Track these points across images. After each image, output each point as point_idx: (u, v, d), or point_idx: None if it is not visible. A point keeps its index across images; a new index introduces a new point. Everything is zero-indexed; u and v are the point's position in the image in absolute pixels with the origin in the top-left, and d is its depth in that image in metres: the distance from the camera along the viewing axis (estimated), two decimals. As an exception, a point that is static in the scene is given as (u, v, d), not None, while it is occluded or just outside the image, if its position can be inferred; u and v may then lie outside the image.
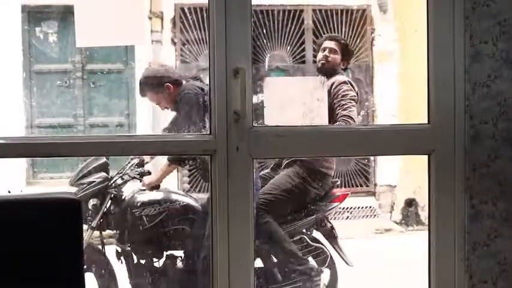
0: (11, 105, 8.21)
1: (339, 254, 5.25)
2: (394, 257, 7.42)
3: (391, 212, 9.79)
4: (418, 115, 3.56)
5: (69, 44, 8.80)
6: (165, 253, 5.19)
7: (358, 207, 9.62)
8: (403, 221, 9.59)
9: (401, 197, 9.70)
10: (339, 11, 9.60)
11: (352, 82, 5.16)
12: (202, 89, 5.03)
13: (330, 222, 5.36)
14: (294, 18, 9.32)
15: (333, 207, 5.38)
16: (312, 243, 5.16)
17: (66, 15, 8.63)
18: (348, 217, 9.48)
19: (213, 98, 3.08)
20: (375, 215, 9.70)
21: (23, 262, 2.49)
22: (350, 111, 4.96)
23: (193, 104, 4.99)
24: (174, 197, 5.22)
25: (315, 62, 9.16)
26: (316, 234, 5.26)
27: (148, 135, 4.09)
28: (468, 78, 3.16)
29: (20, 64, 8.74)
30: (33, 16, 8.92)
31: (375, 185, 9.84)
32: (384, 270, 6.61)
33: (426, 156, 3.25)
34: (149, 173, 5.20)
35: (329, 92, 4.92)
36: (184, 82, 5.22)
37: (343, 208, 9.43)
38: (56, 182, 7.66)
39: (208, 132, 3.12)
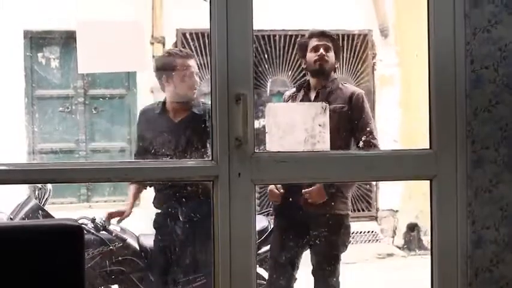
0: (13, 131, 8.22)
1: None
2: (396, 282, 7.40)
3: (393, 237, 9.77)
4: (420, 140, 3.57)
5: (71, 69, 8.83)
6: None
7: (360, 232, 9.61)
8: (405, 246, 9.58)
9: (403, 222, 9.69)
10: (340, 36, 9.63)
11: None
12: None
13: None
14: (295, 43, 9.35)
15: None
16: None
17: (68, 40, 8.67)
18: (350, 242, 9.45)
19: (214, 123, 3.08)
20: (377, 240, 9.69)
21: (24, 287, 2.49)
22: (375, 134, 4.84)
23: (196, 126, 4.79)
24: (109, 236, 5.19)
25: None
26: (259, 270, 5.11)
27: (150, 161, 4.08)
28: (469, 103, 3.17)
29: (22, 90, 8.77)
30: (36, 42, 8.96)
31: (377, 209, 9.84)
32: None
33: (428, 181, 3.25)
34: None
35: (349, 102, 4.76)
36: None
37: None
38: (58, 207, 7.66)
39: (210, 158, 3.12)
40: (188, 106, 4.84)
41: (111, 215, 5.08)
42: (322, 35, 4.86)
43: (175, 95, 4.84)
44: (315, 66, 4.81)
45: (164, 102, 4.89)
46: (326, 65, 4.81)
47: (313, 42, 4.84)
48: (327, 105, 4.02)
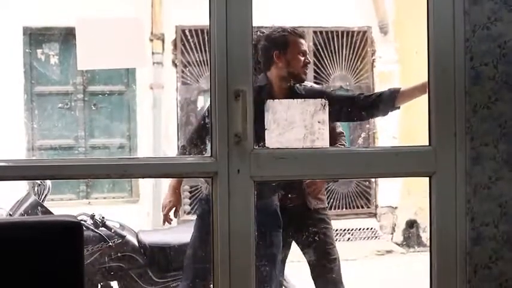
0: (12, 127, 8.22)
1: (280, 282, 5.18)
2: (396, 279, 7.41)
3: (392, 234, 9.77)
4: (419, 137, 3.56)
5: (71, 66, 8.82)
6: (99, 284, 5.19)
7: (359, 229, 9.61)
8: (404, 243, 9.58)
9: (402, 219, 9.69)
10: (340, 33, 9.63)
11: None
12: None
13: None
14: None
15: None
16: None
17: (67, 37, 8.66)
18: (349, 238, 9.47)
19: (214, 120, 3.08)
20: (376, 237, 9.69)
21: (24, 285, 2.49)
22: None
23: None
24: (108, 232, 5.17)
25: (316, 83, 9.21)
26: None
27: (150, 158, 4.08)
28: (469, 99, 3.17)
29: (22, 86, 8.76)
30: (35, 38, 8.95)
31: (376, 206, 9.83)
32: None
33: (427, 178, 3.25)
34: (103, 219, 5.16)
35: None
36: None
37: (344, 229, 9.43)
38: (57, 204, 7.65)
39: (210, 155, 3.12)
40: None
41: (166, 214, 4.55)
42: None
43: None
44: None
45: None
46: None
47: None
48: (326, 101, 3.98)
